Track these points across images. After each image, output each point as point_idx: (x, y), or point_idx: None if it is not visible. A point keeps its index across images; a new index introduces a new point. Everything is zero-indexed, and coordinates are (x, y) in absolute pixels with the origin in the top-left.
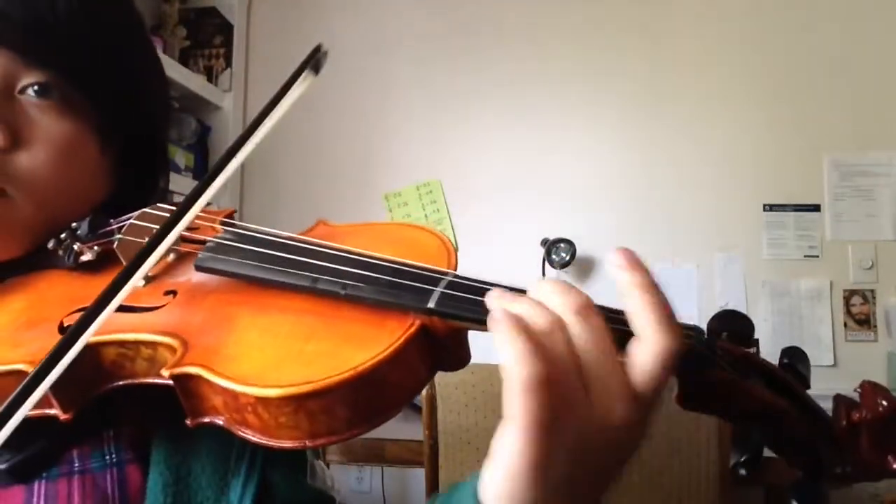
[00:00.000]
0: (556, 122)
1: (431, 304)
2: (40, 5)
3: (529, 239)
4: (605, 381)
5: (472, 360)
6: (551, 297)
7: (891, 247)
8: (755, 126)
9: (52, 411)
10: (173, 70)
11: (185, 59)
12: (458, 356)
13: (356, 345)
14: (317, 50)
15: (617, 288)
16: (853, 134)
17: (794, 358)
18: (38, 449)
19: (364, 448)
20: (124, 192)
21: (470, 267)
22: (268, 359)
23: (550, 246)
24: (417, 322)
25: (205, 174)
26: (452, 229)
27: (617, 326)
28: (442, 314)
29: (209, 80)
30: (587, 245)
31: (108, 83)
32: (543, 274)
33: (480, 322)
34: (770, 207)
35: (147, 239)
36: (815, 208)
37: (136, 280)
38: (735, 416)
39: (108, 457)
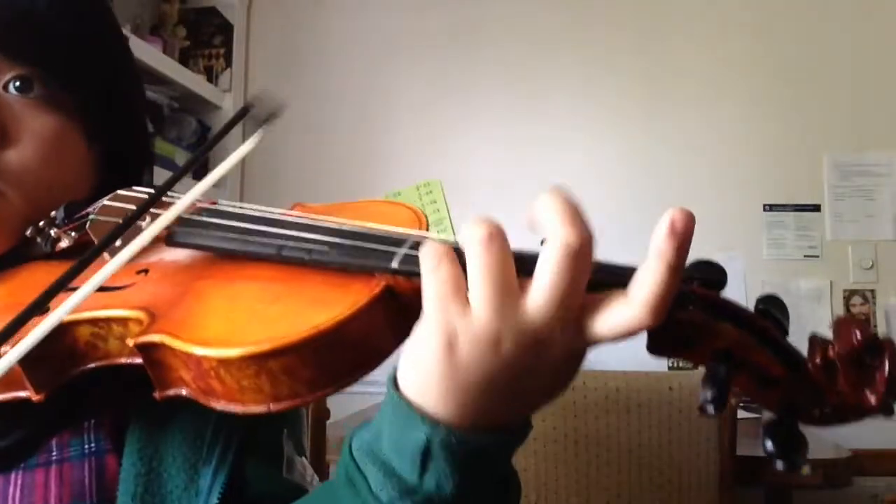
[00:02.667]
0: (556, 122)
1: (395, 264)
2: (20, 1)
3: (529, 239)
4: (486, 298)
5: None
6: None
7: (891, 247)
8: (755, 126)
9: (25, 393)
10: (173, 70)
11: (185, 59)
12: None
13: (320, 306)
14: (245, 109)
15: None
16: (853, 134)
17: (770, 304)
18: (17, 439)
19: None
20: (108, 188)
21: None
22: (231, 323)
23: None
24: (382, 283)
25: (204, 174)
26: (452, 229)
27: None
28: (406, 273)
29: (209, 80)
30: None
31: (90, 78)
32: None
33: None
34: (770, 207)
35: (120, 219)
36: (815, 208)
37: (117, 261)
38: (704, 358)
39: (86, 446)
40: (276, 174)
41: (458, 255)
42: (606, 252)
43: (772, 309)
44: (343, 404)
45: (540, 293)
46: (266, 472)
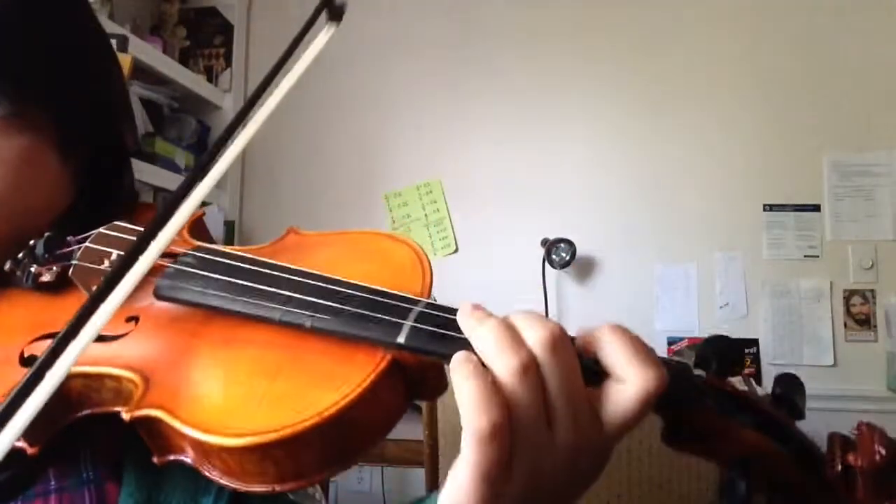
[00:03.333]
0: (556, 122)
1: (401, 340)
2: None
3: (529, 239)
4: (573, 419)
5: None
6: (526, 327)
7: (891, 247)
8: (755, 126)
9: (20, 445)
10: (173, 70)
11: (185, 59)
12: (433, 386)
13: (323, 385)
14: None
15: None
16: (853, 134)
17: (788, 387)
18: (12, 474)
19: None
20: (90, 199)
21: (470, 267)
22: (230, 402)
23: (550, 246)
24: (388, 357)
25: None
26: (452, 229)
27: (587, 361)
28: (412, 349)
29: (209, 80)
30: (587, 245)
31: (62, 93)
32: (543, 274)
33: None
34: (770, 207)
35: (106, 265)
36: (815, 208)
37: (104, 318)
38: (723, 458)
39: (85, 474)
40: (276, 174)
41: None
42: (606, 252)
43: (791, 394)
44: None
45: (618, 426)
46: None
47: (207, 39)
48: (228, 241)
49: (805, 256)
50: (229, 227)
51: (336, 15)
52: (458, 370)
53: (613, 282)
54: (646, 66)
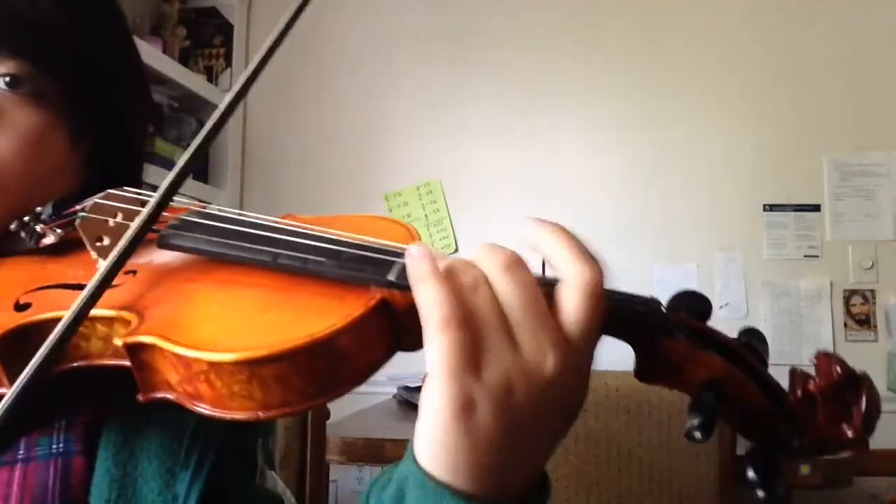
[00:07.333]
0: (556, 122)
1: (392, 277)
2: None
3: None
4: (533, 331)
5: None
6: (481, 255)
7: (891, 247)
8: (755, 126)
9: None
10: (173, 70)
11: (185, 59)
12: (418, 333)
13: (315, 315)
14: None
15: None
16: (853, 134)
17: (751, 336)
18: None
19: (364, 448)
20: (97, 188)
21: None
22: (224, 327)
23: None
24: (378, 295)
25: (205, 174)
26: (452, 229)
27: (548, 280)
28: (403, 286)
29: (209, 80)
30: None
31: (83, 79)
32: (543, 274)
33: None
34: (770, 207)
35: (112, 224)
36: (815, 208)
37: (116, 258)
38: (690, 386)
39: (55, 446)
40: (276, 174)
41: (467, 285)
42: (606, 252)
43: (753, 341)
44: (343, 404)
45: (576, 326)
46: (244, 479)
47: (207, 39)
48: None
49: (805, 256)
50: None
51: None
52: (416, 273)
53: (613, 282)
54: (646, 67)
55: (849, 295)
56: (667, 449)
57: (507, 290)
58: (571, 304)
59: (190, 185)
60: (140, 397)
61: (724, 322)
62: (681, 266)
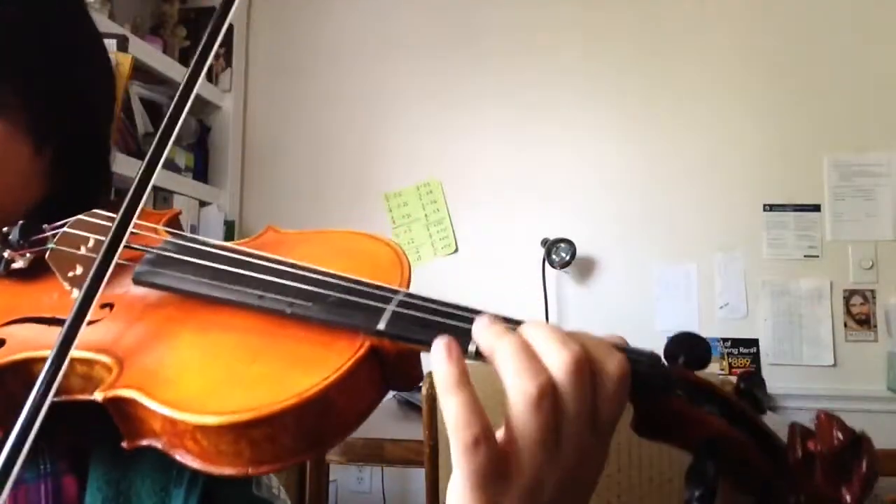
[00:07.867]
0: (556, 122)
1: (381, 326)
2: None
3: (529, 239)
4: (580, 435)
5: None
6: (546, 349)
7: (891, 247)
8: (755, 126)
9: None
10: (173, 70)
11: (185, 59)
12: (409, 376)
13: (302, 368)
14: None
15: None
16: (853, 134)
17: (751, 383)
18: None
19: (364, 448)
20: (64, 193)
21: (470, 267)
22: (208, 383)
23: (550, 246)
24: (367, 344)
25: (205, 175)
26: (452, 229)
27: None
28: (392, 336)
29: (209, 80)
30: (587, 245)
31: (44, 84)
32: (543, 274)
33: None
34: (770, 207)
35: (83, 251)
36: (815, 208)
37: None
38: (691, 445)
39: (42, 467)
40: (276, 174)
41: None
42: (606, 252)
43: (753, 388)
44: None
45: (610, 416)
46: (238, 490)
47: None
48: (228, 241)
49: (805, 256)
50: (229, 227)
51: None
52: (443, 382)
53: (613, 282)
54: (646, 67)
55: (849, 295)
56: (667, 449)
57: (572, 399)
58: (612, 391)
59: (190, 184)
60: (125, 445)
61: (725, 322)
62: (681, 266)
